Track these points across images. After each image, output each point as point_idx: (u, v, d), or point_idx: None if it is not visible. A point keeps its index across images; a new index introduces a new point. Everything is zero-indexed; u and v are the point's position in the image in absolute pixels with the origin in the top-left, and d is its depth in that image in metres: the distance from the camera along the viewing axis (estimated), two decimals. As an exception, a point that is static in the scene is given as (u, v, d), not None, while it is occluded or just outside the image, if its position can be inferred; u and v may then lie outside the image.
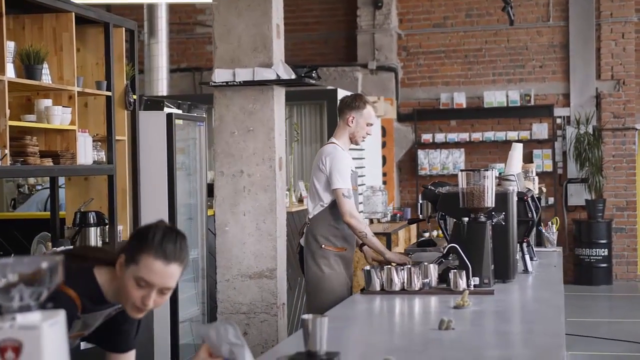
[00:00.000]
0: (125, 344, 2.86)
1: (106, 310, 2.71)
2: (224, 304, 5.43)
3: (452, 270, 4.10)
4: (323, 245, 5.06)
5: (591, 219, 11.92)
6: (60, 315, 1.76)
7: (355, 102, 5.16)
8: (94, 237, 5.28)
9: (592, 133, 11.97)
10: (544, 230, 6.21)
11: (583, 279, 11.87)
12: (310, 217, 5.16)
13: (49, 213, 5.68)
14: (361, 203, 9.49)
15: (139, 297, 2.54)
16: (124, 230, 5.72)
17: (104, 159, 5.45)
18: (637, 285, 12.02)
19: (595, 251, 11.83)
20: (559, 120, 12.34)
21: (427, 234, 10.51)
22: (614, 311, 10.52)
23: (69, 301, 2.54)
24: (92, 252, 2.72)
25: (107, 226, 5.45)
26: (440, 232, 5.84)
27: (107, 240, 5.47)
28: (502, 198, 4.41)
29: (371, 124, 5.18)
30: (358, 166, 9.77)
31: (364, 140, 5.27)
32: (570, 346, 7.82)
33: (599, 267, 11.85)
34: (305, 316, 2.69)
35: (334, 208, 5.08)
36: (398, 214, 10.39)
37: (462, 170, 4.33)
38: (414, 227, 10.51)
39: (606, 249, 11.85)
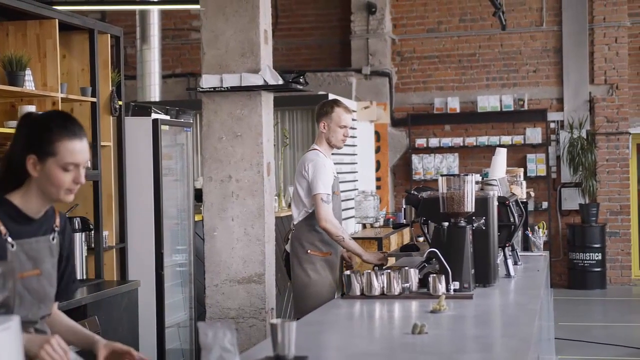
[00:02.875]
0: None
1: (40, 234, 2.71)
2: (212, 309, 5.44)
3: (431, 275, 4.11)
4: (309, 251, 5.13)
5: (585, 223, 11.92)
6: (14, 321, 1.78)
7: (324, 108, 5.27)
8: (79, 242, 5.29)
9: (585, 137, 11.98)
10: (530, 235, 6.21)
11: (577, 283, 11.87)
12: (295, 222, 5.23)
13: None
14: (352, 208, 9.52)
15: (69, 181, 2.63)
16: (109, 236, 5.73)
17: (89, 165, 5.47)
18: (630, 289, 12.02)
19: (589, 255, 11.83)
20: (552, 125, 12.35)
21: (421, 239, 10.52)
22: (608, 315, 10.53)
23: None
24: None
25: (92, 232, 5.47)
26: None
27: (92, 246, 5.49)
28: (482, 203, 4.41)
29: (344, 126, 5.23)
30: (351, 171, 9.82)
31: (344, 142, 5.31)
32: (562, 350, 7.83)
33: (593, 271, 11.86)
34: (274, 321, 2.72)
35: None
36: (391, 219, 10.39)
37: (442, 175, 4.34)
38: (407, 231, 10.52)
39: (600, 253, 11.86)
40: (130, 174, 5.98)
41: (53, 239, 2.76)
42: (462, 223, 4.28)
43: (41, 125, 2.63)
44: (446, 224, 4.27)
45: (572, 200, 12.19)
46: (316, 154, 5.17)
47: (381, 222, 10.13)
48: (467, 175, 4.30)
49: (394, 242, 9.60)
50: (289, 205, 8.32)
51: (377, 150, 12.03)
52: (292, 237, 5.25)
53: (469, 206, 4.27)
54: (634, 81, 12.30)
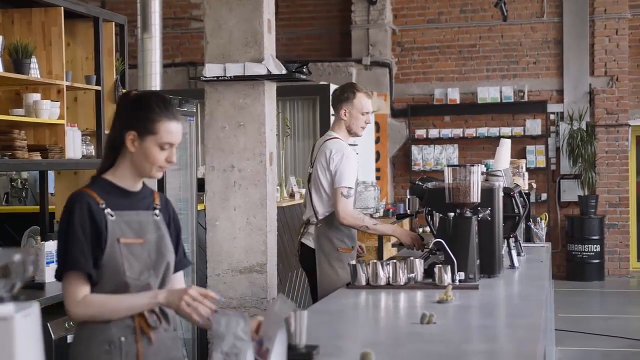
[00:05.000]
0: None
1: (142, 208, 2.82)
2: (214, 299, 5.44)
3: (437, 265, 4.12)
4: (339, 249, 4.99)
5: (584, 215, 11.95)
6: (35, 307, 1.78)
7: (344, 93, 5.07)
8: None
9: (585, 129, 11.99)
10: (532, 226, 6.22)
11: (575, 275, 11.90)
12: (320, 217, 5.04)
13: (38, 207, 5.69)
14: (353, 198, 9.51)
15: (162, 159, 2.78)
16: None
17: (94, 153, 5.47)
18: (628, 281, 12.07)
19: (588, 247, 11.86)
20: (552, 116, 12.36)
21: (420, 230, 10.52)
22: (606, 307, 10.56)
23: (83, 194, 2.72)
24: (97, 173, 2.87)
25: (96, 220, 5.46)
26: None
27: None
28: (488, 193, 4.41)
29: (366, 112, 5.07)
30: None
31: (364, 130, 5.16)
32: (560, 341, 7.85)
33: (591, 263, 11.88)
34: (285, 310, 2.71)
35: None
36: (391, 209, 10.41)
37: (448, 166, 4.34)
38: (406, 222, 10.53)
39: (598, 245, 11.89)
40: (133, 163, 5.96)
41: (156, 215, 2.86)
42: (468, 214, 4.28)
43: (144, 104, 2.77)
44: (452, 214, 4.27)
45: (571, 192, 12.21)
46: (340, 143, 4.98)
47: (381, 212, 10.15)
48: (473, 166, 4.31)
49: (394, 232, 9.60)
50: (291, 196, 8.32)
51: (377, 140, 12.03)
52: (318, 233, 5.04)
53: (475, 197, 4.27)
54: (634, 73, 12.30)
